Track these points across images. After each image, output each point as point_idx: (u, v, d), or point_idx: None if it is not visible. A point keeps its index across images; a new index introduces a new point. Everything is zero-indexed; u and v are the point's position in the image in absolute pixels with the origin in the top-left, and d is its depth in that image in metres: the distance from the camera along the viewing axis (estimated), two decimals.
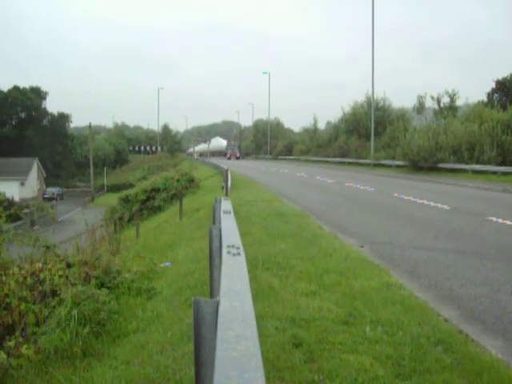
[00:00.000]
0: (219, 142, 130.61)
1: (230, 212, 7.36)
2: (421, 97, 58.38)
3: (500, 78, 48.98)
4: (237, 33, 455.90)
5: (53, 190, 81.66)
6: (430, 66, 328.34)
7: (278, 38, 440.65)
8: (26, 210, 51.34)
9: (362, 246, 11.78)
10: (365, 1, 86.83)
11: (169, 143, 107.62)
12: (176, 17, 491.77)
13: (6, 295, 8.54)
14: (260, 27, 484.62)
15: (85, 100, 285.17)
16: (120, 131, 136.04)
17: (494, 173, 34.89)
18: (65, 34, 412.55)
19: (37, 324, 8.08)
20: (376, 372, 4.97)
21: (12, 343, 7.37)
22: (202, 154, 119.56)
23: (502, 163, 36.80)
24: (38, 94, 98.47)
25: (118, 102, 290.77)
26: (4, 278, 8.98)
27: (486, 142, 38.18)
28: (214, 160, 77.92)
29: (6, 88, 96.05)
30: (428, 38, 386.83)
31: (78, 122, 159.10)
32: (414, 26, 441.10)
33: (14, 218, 47.95)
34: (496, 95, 48.94)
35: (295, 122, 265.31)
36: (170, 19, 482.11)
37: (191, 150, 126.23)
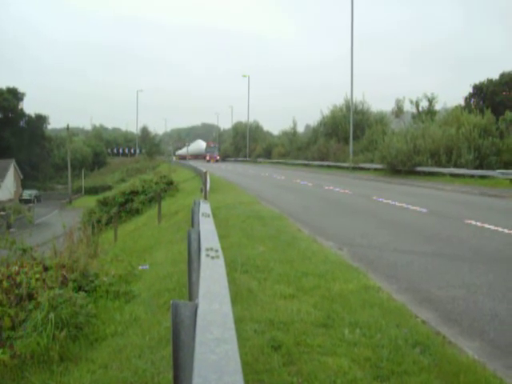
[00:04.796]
0: (200, 145, 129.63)
1: (208, 215, 7.34)
2: (399, 100, 59.05)
3: (477, 82, 49.57)
4: (216, 34, 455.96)
5: (30, 192, 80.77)
6: (413, 72, 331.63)
7: (259, 40, 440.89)
8: (3, 213, 50.76)
9: (340, 249, 11.82)
10: (347, 5, 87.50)
11: (147, 146, 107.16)
12: (155, 18, 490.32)
13: None
14: (238, 29, 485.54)
15: (62, 102, 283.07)
16: (98, 133, 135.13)
17: (472, 176, 35.26)
18: (40, 27, 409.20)
19: (13, 328, 7.98)
20: (354, 374, 4.99)
21: None
22: (181, 158, 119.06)
23: (480, 167, 37.19)
24: (14, 95, 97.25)
25: (96, 103, 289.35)
26: None
27: (464, 146, 38.56)
28: (193, 163, 77.72)
29: None
30: (412, 45, 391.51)
31: (55, 123, 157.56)
32: (398, 33, 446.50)
33: None
34: (473, 99, 49.50)
35: (274, 124, 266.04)
36: (150, 20, 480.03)
37: (181, 151, 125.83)
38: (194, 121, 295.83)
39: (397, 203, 20.92)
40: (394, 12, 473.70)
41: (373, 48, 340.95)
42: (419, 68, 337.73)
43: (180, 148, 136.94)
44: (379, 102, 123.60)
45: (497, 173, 33.57)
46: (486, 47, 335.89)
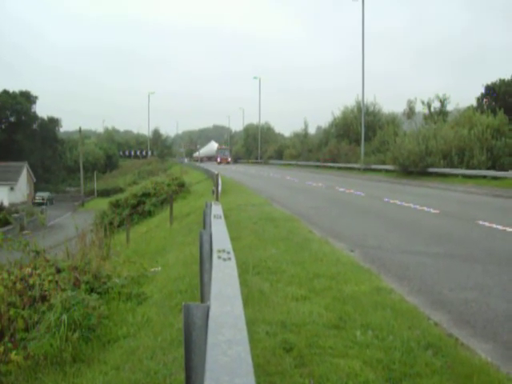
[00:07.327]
0: (214, 147, 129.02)
1: (220, 217, 7.35)
2: (411, 102, 58.73)
3: (489, 82, 49.25)
4: (225, 37, 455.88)
5: (42, 195, 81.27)
6: (421, 72, 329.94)
7: (268, 42, 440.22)
8: (16, 215, 51.07)
9: (352, 251, 11.79)
10: (356, 7, 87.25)
11: (159, 148, 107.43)
12: (166, 19, 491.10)
13: None
14: (248, 31, 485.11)
15: (75, 104, 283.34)
16: (110, 136, 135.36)
17: (484, 177, 35.08)
18: (52, 34, 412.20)
19: (26, 329, 8.04)
20: (366, 376, 4.97)
21: (1, 349, 7.33)
22: (197, 159, 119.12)
23: (492, 167, 37.00)
24: (27, 98, 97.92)
25: (108, 107, 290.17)
26: None
27: (476, 147, 38.38)
28: (205, 165, 77.74)
29: None
30: (420, 44, 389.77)
31: (68, 126, 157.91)
32: (406, 32, 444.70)
33: (3, 222, 47.79)
34: (485, 100, 49.16)
35: (286, 126, 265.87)
36: (160, 22, 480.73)
37: (196, 154, 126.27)
38: (206, 123, 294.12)
39: (408, 204, 20.83)
40: (398, 11, 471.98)
41: (378, 48, 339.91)
42: (425, 68, 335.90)
43: (193, 150, 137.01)
44: (387, 103, 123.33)
45: (510, 174, 33.36)
46: (495, 46, 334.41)
